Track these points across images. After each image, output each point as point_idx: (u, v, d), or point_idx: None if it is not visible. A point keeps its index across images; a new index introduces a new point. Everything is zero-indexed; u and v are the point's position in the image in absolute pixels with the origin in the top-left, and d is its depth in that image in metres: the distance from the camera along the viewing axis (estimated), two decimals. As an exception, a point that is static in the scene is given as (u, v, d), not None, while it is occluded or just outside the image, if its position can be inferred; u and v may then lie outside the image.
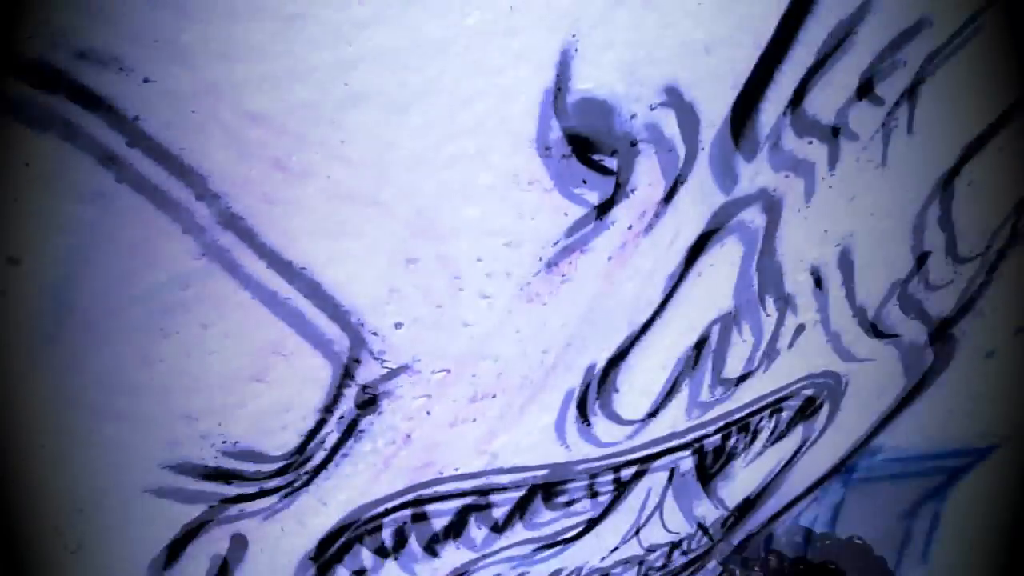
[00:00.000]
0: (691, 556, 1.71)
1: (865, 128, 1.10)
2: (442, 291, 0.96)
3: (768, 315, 1.28)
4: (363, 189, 0.83)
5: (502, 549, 1.35)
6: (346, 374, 0.98)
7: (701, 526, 1.64)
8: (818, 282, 1.28)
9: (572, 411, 1.21)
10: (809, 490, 1.76)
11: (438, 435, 1.12)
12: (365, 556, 1.21)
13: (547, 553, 1.43)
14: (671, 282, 1.13)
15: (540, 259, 1.00)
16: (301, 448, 1.02)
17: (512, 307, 1.02)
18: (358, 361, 0.97)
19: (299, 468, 1.04)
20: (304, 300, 0.88)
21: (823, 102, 1.04)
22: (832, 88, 1.03)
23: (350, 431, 1.04)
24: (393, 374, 1.01)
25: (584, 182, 0.95)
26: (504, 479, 1.24)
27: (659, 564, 1.66)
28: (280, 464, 1.02)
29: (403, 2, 0.73)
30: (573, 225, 0.98)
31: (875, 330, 1.44)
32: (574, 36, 0.83)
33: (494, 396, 1.12)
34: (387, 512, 1.17)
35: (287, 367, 0.93)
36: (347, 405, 1.01)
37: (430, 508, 1.21)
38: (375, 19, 0.73)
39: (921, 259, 1.37)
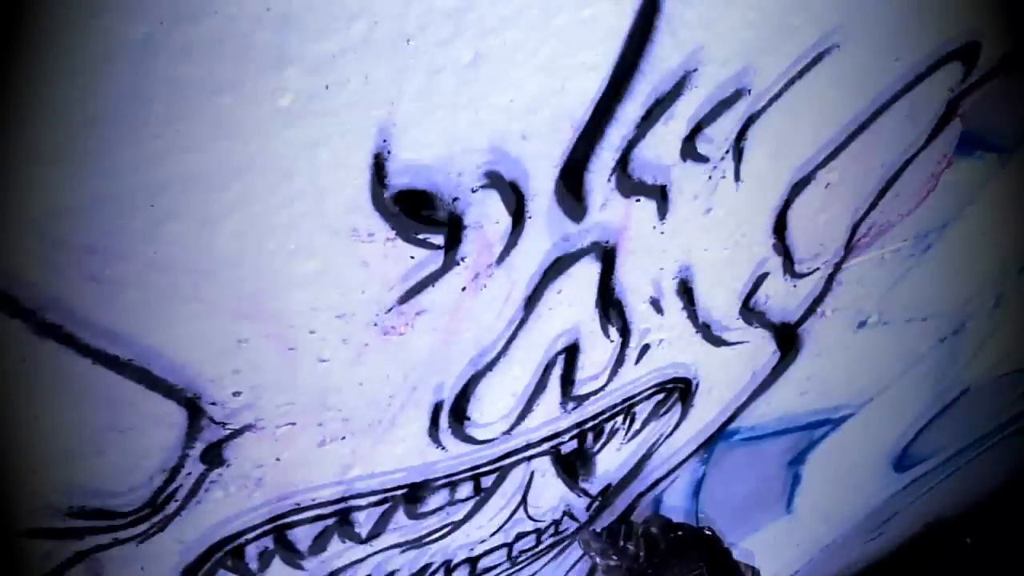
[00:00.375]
0: (559, 536, 1.83)
1: (693, 182, 1.17)
2: (277, 361, 1.00)
3: (612, 340, 1.36)
4: (181, 290, 0.86)
5: (368, 556, 1.44)
6: (188, 439, 1.02)
7: (567, 512, 1.76)
8: (659, 310, 1.36)
9: (424, 440, 1.28)
10: (670, 472, 1.90)
11: (290, 475, 1.18)
12: (230, 578, 1.28)
13: (415, 549, 1.52)
14: (511, 327, 1.19)
15: (375, 325, 1.05)
16: (151, 503, 1.07)
17: (351, 367, 1.07)
18: (200, 428, 1.02)
19: (151, 518, 1.09)
20: (135, 385, 0.91)
21: (648, 165, 1.10)
22: (655, 153, 1.09)
23: (200, 482, 1.09)
24: (236, 434, 1.06)
25: (412, 257, 1.00)
26: (363, 501, 1.31)
27: (527, 547, 1.78)
28: (131, 518, 1.07)
29: (209, 134, 0.75)
30: (404, 295, 1.03)
31: (720, 341, 1.54)
32: (385, 141, 0.86)
33: (343, 438, 1.18)
34: (248, 541, 1.24)
35: (124, 441, 0.97)
36: (194, 463, 1.06)
37: (291, 532, 1.28)
38: (176, 148, 0.75)
39: (759, 280, 1.46)
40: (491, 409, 1.32)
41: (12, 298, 0.77)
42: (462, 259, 1.04)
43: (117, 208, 0.76)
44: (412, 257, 1.00)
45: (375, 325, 1.05)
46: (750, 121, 1.13)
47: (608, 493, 1.81)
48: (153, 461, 1.02)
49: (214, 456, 1.07)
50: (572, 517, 1.80)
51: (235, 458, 1.09)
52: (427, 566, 1.62)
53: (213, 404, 1.00)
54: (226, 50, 0.71)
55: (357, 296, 1.00)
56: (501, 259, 1.08)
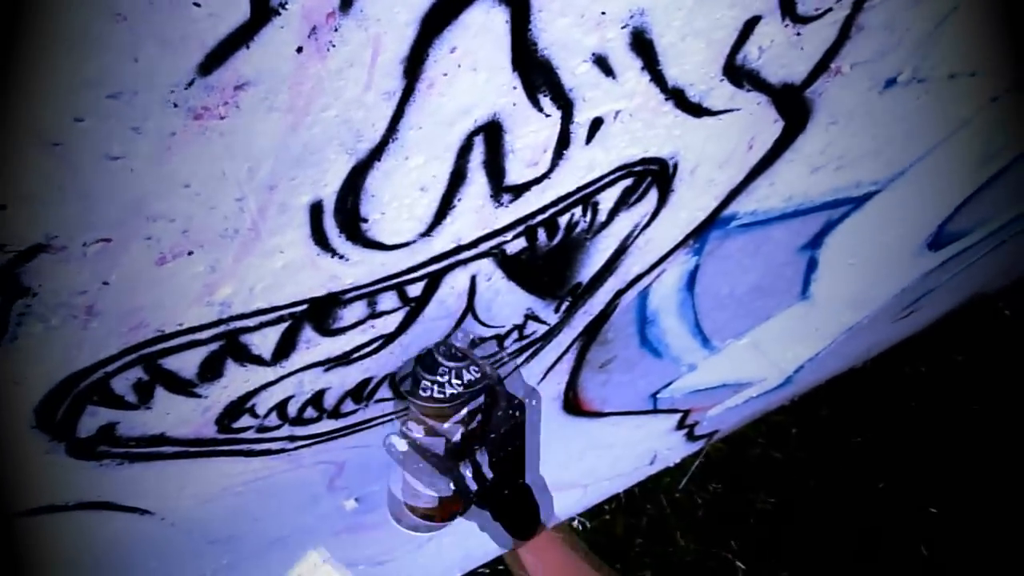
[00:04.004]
0: (527, 341, 1.63)
1: None
2: (40, 161, 0.74)
3: (548, 115, 1.05)
4: None
5: (282, 377, 1.25)
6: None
7: (531, 315, 1.54)
8: (607, 71, 1.04)
9: (311, 248, 1.03)
10: (652, 267, 1.64)
11: (133, 301, 0.95)
12: (106, 413, 1.10)
13: (343, 367, 1.33)
14: (392, 100, 0.90)
15: (176, 106, 0.76)
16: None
17: (160, 164, 0.80)
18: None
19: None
20: None
21: None
22: None
23: (4, 316, 0.87)
24: (26, 256, 0.82)
25: (196, 5, 0.69)
26: (250, 322, 1.10)
27: (489, 353, 1.58)
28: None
29: None
30: (203, 61, 0.74)
31: (700, 109, 1.22)
32: None
33: (191, 253, 0.93)
34: (110, 374, 1.04)
35: None
36: (-21, 295, 0.83)
37: (165, 361, 1.07)
38: None
39: (748, 26, 1.12)
40: (395, 207, 1.06)
41: None
42: (282, 5, 0.73)
43: None
44: (197, 4, 0.69)
45: (175, 106, 0.76)
46: None
47: (579, 292, 1.57)
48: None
49: (4, 284, 0.83)
50: (537, 320, 1.58)
51: (39, 285, 0.86)
52: (366, 381, 1.43)
53: (-37, 222, 0.75)
54: None
55: (127, 65, 0.70)
56: (346, 4, 0.76)
